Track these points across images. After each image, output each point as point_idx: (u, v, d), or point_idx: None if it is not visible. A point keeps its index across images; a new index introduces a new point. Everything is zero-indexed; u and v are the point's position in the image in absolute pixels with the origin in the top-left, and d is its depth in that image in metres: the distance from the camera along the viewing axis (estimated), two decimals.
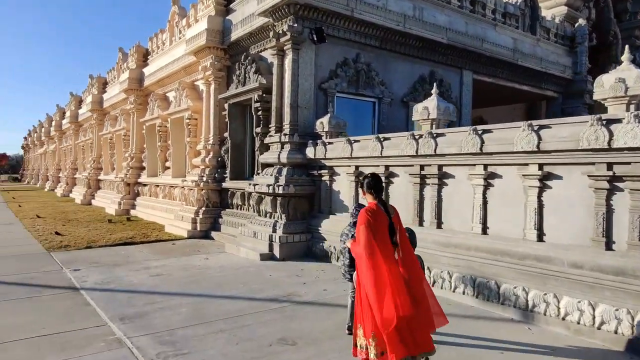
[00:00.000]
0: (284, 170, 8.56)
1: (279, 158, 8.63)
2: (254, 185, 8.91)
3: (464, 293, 5.62)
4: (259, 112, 9.74)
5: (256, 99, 9.68)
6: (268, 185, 8.46)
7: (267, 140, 9.26)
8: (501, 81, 12.80)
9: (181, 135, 14.32)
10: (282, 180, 8.40)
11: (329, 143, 8.19)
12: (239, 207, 10.65)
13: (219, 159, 11.52)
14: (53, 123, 36.18)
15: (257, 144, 9.78)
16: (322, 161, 8.30)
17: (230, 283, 6.57)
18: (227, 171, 11.12)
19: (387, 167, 7.08)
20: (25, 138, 64.56)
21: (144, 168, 16.95)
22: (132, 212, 16.38)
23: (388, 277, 3.30)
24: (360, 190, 5.90)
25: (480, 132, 5.66)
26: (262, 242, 8.39)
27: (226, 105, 11.08)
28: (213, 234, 10.80)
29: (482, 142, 5.56)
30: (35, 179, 48.15)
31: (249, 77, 10.12)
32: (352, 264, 4.27)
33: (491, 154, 5.53)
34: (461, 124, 11.55)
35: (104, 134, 21.64)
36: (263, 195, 8.93)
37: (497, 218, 5.59)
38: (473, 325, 4.85)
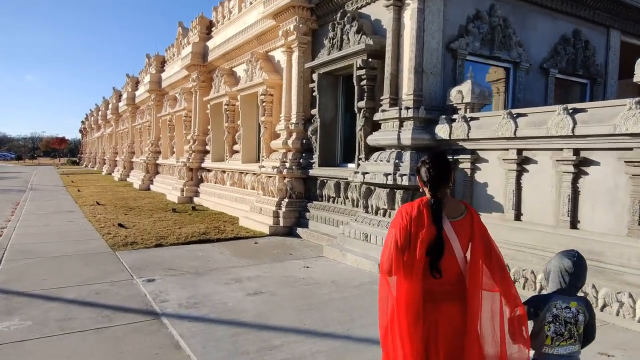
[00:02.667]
0: (406, 155, 6.59)
1: (398, 139, 6.66)
2: (363, 174, 6.99)
3: None
4: (363, 82, 7.78)
5: (359, 65, 7.71)
6: (385, 175, 6.52)
7: (376, 116, 7.30)
8: None
9: (253, 114, 12.63)
10: (404, 168, 6.45)
11: (473, 118, 6.13)
12: (331, 200, 8.80)
13: (304, 142, 9.69)
14: (110, 106, 35.87)
15: (360, 122, 7.84)
16: (461, 143, 6.26)
17: (360, 311, 4.72)
18: (315, 156, 9.27)
19: (577, 150, 4.97)
20: (82, 122, 65.96)
21: (208, 152, 15.47)
22: (196, 199, 14.96)
23: (402, 330, 2.24)
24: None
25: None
26: (378, 247, 6.50)
27: (314, 76, 9.19)
28: (299, 230, 9.02)
29: None
30: (93, 162, 48.69)
31: (348, 40, 8.16)
32: None
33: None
34: (605, 98, 9.16)
35: (162, 115, 20.42)
36: (373, 187, 7.02)
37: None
38: None
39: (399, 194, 6.56)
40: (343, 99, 9.26)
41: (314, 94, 9.30)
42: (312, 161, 9.40)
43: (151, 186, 20.89)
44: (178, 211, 12.76)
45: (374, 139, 7.22)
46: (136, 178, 23.02)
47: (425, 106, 6.68)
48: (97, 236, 8.85)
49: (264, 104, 11.28)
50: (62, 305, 4.81)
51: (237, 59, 13.44)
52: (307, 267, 6.54)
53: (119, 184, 23.64)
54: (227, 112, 13.49)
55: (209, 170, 14.99)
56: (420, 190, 2.43)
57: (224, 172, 13.82)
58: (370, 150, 7.77)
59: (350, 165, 8.88)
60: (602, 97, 9.19)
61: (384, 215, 6.87)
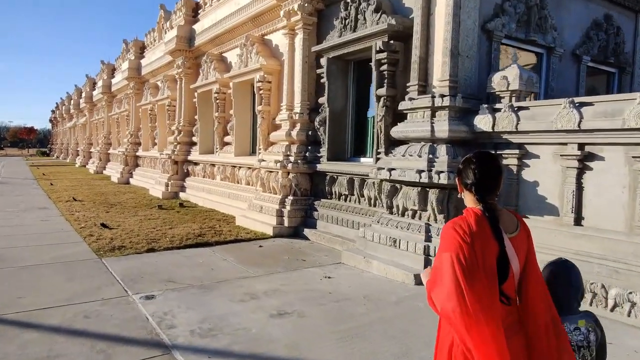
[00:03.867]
0: (441, 150, 5.80)
1: (432, 131, 5.85)
2: (389, 170, 6.17)
3: None
4: (383, 67, 6.95)
5: (379, 47, 6.86)
6: (419, 172, 5.72)
7: (402, 105, 6.48)
8: None
9: (247, 103, 11.68)
10: (440, 165, 5.65)
11: (522, 108, 5.38)
12: (343, 198, 7.97)
13: (309, 133, 8.81)
14: (83, 95, 34.05)
15: (379, 111, 7.01)
16: (506, 136, 5.50)
17: (413, 338, 3.92)
18: (323, 149, 8.42)
19: None
20: (53, 111, 63.20)
21: (194, 143, 14.41)
22: (182, 195, 13.92)
23: None
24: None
25: None
26: (409, 255, 5.73)
27: (322, 61, 8.30)
28: (306, 231, 8.17)
29: None
30: (65, 153, 46.62)
31: (364, 20, 7.30)
32: None
33: None
34: (632, 89, 8.58)
35: (142, 104, 19.16)
36: (399, 185, 6.22)
37: None
38: None
39: (432, 194, 5.77)
40: (354, 87, 8.41)
41: (321, 80, 8.42)
42: (319, 155, 8.54)
43: (131, 180, 19.66)
44: (165, 208, 11.73)
45: (400, 130, 6.40)
46: (114, 171, 21.70)
47: (462, 94, 5.89)
48: (78, 238, 7.81)
49: (260, 92, 10.33)
50: (44, 336, 3.86)
51: (228, 43, 12.41)
52: (329, 278, 5.70)
53: (95, 177, 22.27)
54: (218, 101, 12.47)
55: (196, 164, 13.95)
56: (459, 194, 2.03)
57: (213, 165, 12.82)
58: (391, 143, 6.99)
59: (362, 159, 8.07)
60: (630, 88, 8.60)
61: (413, 217, 6.08)
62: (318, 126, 8.42)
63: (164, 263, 6.32)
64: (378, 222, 6.46)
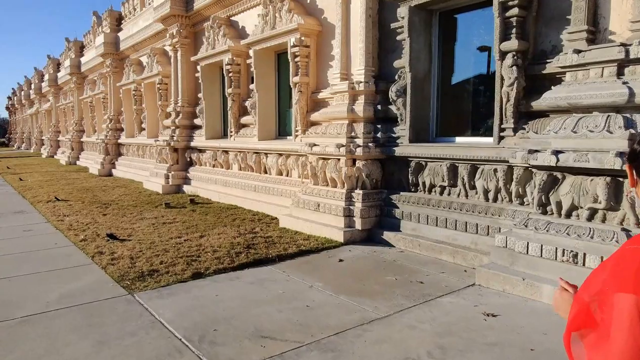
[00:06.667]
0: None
1: (631, 94, 4.01)
2: (554, 153, 4.30)
3: None
4: (511, 12, 5.06)
5: None
6: (619, 155, 3.89)
7: (561, 61, 4.60)
8: None
9: (271, 75, 9.60)
10: None
11: None
12: (437, 191, 6.09)
13: (378, 108, 6.86)
14: (46, 78, 30.76)
15: (508, 73, 5.11)
16: None
17: None
18: (401, 128, 6.50)
19: None
20: (9, 98, 58.49)
21: (197, 127, 12.20)
22: (187, 188, 11.74)
23: None
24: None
25: None
26: None
27: (401, 12, 6.32)
28: (387, 235, 6.28)
29: None
30: (27, 143, 42.96)
31: None
32: None
33: None
34: None
35: (124, 84, 16.61)
36: (562, 175, 4.40)
37: None
38: None
39: (627, 186, 3.98)
40: (440, 45, 6.50)
41: (398, 37, 6.46)
42: (394, 135, 6.63)
43: (114, 171, 17.23)
44: (174, 206, 9.60)
45: (558, 97, 4.53)
46: (92, 161, 19.12)
47: None
48: (84, 259, 5.70)
49: (296, 59, 8.27)
50: None
51: (240, 3, 10.20)
52: (494, 316, 3.86)
53: (70, 169, 19.62)
54: (231, 74, 10.28)
55: (202, 151, 11.77)
56: (630, 191, 1.26)
57: (227, 152, 10.70)
58: (520, 116, 5.15)
59: (459, 139, 6.21)
60: None
61: (590, 219, 4.27)
62: (395, 97, 6.46)
63: (230, 298, 4.34)
64: (524, 225, 4.62)
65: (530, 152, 4.51)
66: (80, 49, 23.45)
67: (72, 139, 23.25)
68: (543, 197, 4.55)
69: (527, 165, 4.65)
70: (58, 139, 28.66)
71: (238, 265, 5.31)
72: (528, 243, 4.44)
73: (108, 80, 18.24)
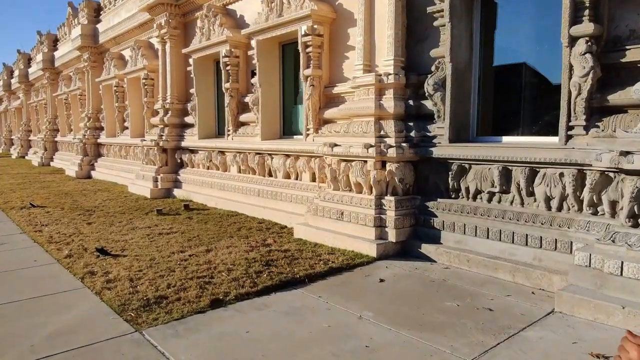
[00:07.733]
0: None
1: None
2: None
3: None
4: None
5: None
6: None
7: None
8: None
9: (275, 68, 8.75)
10: None
11: None
12: (485, 198, 5.33)
13: (410, 104, 6.08)
14: (15, 74, 29.01)
15: (579, 62, 4.39)
16: None
17: None
18: (438, 126, 5.72)
19: None
20: None
21: (188, 125, 11.22)
22: (178, 192, 10.75)
23: None
24: None
25: None
26: None
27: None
28: (425, 248, 5.48)
29: None
30: None
31: None
32: None
33: None
34: None
35: (104, 79, 15.44)
36: None
37: None
38: None
39: None
40: (481, 32, 5.75)
41: (435, 22, 5.68)
42: (428, 134, 5.85)
43: (93, 173, 16.04)
44: (166, 213, 8.63)
45: None
46: (68, 162, 17.82)
47: None
48: (73, 281, 4.74)
49: (308, 50, 7.44)
50: None
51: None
52: (605, 358, 3.11)
53: (44, 171, 18.27)
54: (229, 68, 9.36)
55: (194, 151, 10.79)
56: None
57: (223, 153, 9.76)
58: (592, 112, 4.44)
59: (506, 138, 5.48)
60: None
61: None
62: (432, 92, 5.67)
63: (266, 337, 3.46)
64: (612, 240, 3.90)
65: (622, 153, 3.78)
66: (54, 42, 22.01)
67: (45, 139, 21.80)
68: (636, 208, 3.83)
69: (616, 169, 3.92)
70: (29, 138, 27.03)
71: (263, 289, 4.44)
72: (622, 262, 3.71)
73: (86, 75, 17.00)
